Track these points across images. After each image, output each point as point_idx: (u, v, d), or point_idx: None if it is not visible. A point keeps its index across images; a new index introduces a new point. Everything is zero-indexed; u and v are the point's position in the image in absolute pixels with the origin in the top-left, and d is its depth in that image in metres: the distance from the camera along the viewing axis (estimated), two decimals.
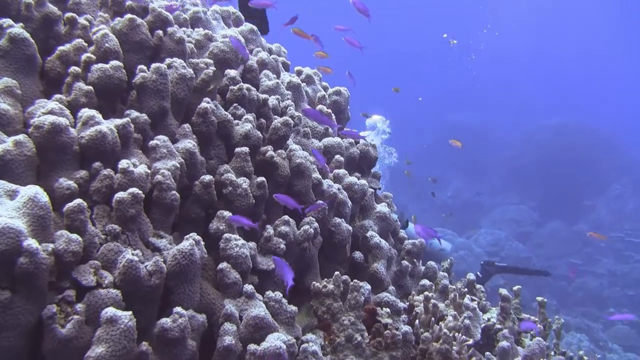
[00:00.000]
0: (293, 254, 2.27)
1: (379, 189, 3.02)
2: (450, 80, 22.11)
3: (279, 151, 2.41)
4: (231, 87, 2.44)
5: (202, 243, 1.92)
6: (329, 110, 2.92)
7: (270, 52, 3.23)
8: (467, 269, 11.79)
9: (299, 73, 3.14)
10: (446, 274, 2.96)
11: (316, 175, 2.50)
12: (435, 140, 18.57)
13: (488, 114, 19.38)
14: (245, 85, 2.47)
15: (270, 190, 2.36)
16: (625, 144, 16.64)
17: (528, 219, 15.06)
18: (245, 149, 2.25)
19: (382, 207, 2.78)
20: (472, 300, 3.66)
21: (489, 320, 3.67)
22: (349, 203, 2.61)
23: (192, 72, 2.28)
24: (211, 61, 2.49)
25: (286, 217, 2.27)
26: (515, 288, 3.74)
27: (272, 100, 2.70)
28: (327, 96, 3.05)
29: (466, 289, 3.70)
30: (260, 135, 2.36)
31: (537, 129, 16.97)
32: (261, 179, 2.26)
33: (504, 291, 3.68)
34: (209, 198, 2.13)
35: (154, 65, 2.14)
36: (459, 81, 21.89)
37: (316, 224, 2.35)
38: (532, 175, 16.07)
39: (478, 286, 3.76)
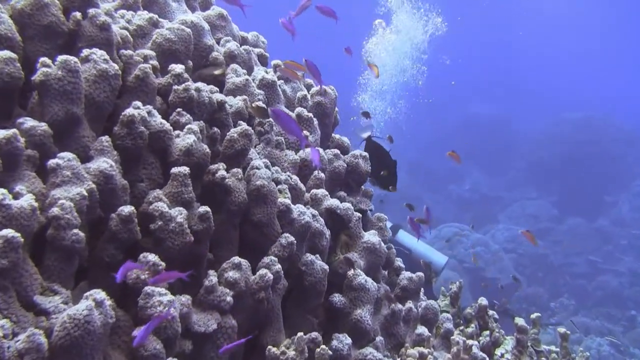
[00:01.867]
0: (244, 307, 1.69)
1: (371, 210, 2.41)
2: (470, 71, 21.15)
3: (234, 170, 1.81)
4: (175, 87, 1.84)
5: (108, 303, 1.35)
6: (310, 115, 2.31)
7: (244, 42, 2.62)
8: (484, 266, 11.14)
9: (276, 68, 2.53)
10: (449, 316, 2.36)
11: (283, 200, 1.90)
12: (453, 132, 17.78)
13: (509, 106, 18.46)
14: (194, 85, 1.88)
15: (219, 222, 1.78)
16: None
17: (547, 215, 14.25)
18: (184, 170, 1.66)
19: (371, 236, 2.17)
20: (487, 330, 3.07)
21: (502, 355, 3.07)
22: (328, 233, 2.01)
23: (116, 67, 1.69)
24: (152, 53, 1.90)
25: (237, 260, 1.68)
26: (533, 316, 3.14)
27: (237, 103, 2.10)
28: (309, 96, 2.44)
29: (473, 323, 3.11)
30: (207, 150, 1.77)
31: (559, 122, 16.04)
32: (204, 209, 1.67)
33: (520, 321, 3.07)
34: (129, 236, 1.55)
35: (60, 58, 1.56)
36: (479, 71, 20.93)
37: (278, 266, 1.75)
38: (553, 170, 15.21)
39: (491, 313, 3.15)
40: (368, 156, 2.35)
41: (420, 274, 2.30)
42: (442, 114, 18.70)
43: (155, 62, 1.88)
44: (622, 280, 12.10)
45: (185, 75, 1.89)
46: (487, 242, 12.41)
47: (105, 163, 1.55)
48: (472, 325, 2.97)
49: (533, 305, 10.59)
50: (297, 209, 1.93)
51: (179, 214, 1.61)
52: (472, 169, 16.39)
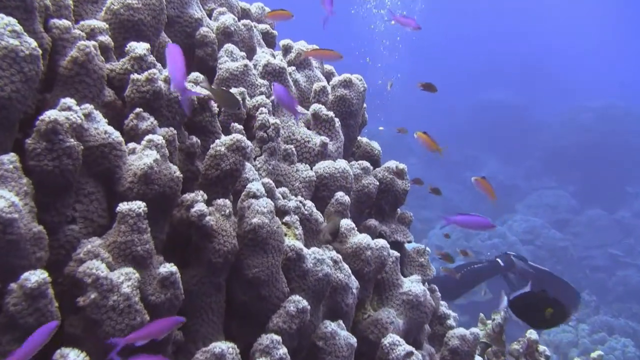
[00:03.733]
0: None
1: (409, 241, 1.76)
2: (486, 56, 20.13)
3: (219, 202, 1.17)
4: (133, 77, 1.20)
5: None
6: (330, 114, 1.65)
7: (246, 15, 1.96)
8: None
9: (286, 50, 1.86)
10: None
11: (293, 242, 1.26)
12: (469, 118, 16.99)
13: (527, 92, 17.54)
14: (164, 74, 1.23)
15: (195, 280, 1.15)
16: None
17: (566, 205, 13.57)
18: (137, 207, 1.03)
19: (412, 285, 1.53)
20: None
21: None
22: (355, 287, 1.37)
23: (33, 45, 1.04)
24: (103, 25, 1.25)
25: (217, 349, 1.04)
26: (594, 355, 2.55)
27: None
28: (329, 89, 1.78)
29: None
30: (177, 173, 1.12)
31: (580, 110, 15.21)
32: (168, 269, 1.04)
33: None
34: (37, 320, 0.93)
35: None
36: (496, 56, 19.90)
37: (282, 351, 1.12)
38: (572, 159, 14.46)
39: (542, 349, 2.54)
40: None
41: (476, 330, 1.67)
42: (458, 99, 17.86)
43: (106, 38, 1.24)
44: None
45: (151, 58, 1.25)
46: (504, 233, 11.80)
47: (1, 200, 0.92)
48: None
49: None
50: (313, 254, 1.29)
51: (125, 279, 0.98)
52: (489, 157, 15.65)
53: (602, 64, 19.98)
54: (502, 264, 4.73)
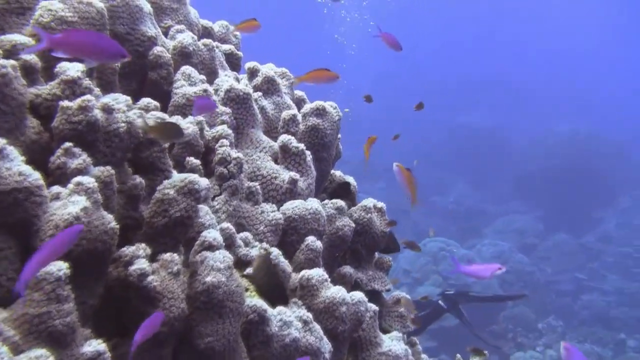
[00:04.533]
0: None
1: (388, 290, 1.56)
2: (457, 80, 20.26)
3: (166, 258, 0.96)
4: (63, 104, 0.98)
5: None
6: (301, 147, 1.46)
7: (207, 34, 1.76)
8: (470, 283, 10.41)
9: (252, 74, 1.66)
10: None
11: (255, 301, 1.05)
12: (439, 142, 17.05)
13: (497, 117, 17.69)
14: (102, 102, 1.02)
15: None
16: (639, 155, 15.16)
17: (533, 230, 13.69)
18: (57, 269, 0.81)
19: (392, 343, 1.33)
20: None
21: None
22: (327, 350, 1.17)
23: None
24: (29, 41, 1.04)
25: None
26: None
27: (188, 128, 1.25)
28: (300, 117, 1.59)
29: None
30: (111, 224, 0.91)
31: (548, 135, 15.47)
32: (94, 349, 0.82)
33: None
34: None
35: None
36: (466, 81, 20.02)
37: None
38: (539, 184, 14.65)
39: None
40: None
41: None
42: (428, 123, 17.91)
43: (31, 57, 1.02)
44: (608, 300, 11.58)
45: (86, 82, 1.04)
46: (473, 258, 11.77)
47: None
48: None
49: (519, 326, 9.95)
50: (279, 316, 1.08)
51: None
52: (457, 180, 15.69)
53: (571, 89, 20.18)
54: (444, 305, 4.76)
